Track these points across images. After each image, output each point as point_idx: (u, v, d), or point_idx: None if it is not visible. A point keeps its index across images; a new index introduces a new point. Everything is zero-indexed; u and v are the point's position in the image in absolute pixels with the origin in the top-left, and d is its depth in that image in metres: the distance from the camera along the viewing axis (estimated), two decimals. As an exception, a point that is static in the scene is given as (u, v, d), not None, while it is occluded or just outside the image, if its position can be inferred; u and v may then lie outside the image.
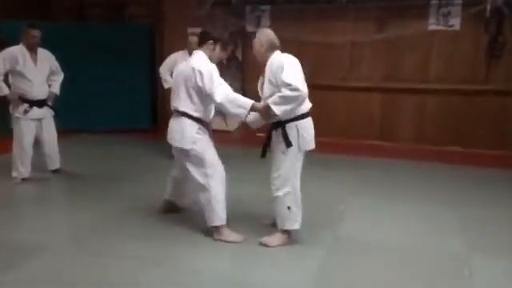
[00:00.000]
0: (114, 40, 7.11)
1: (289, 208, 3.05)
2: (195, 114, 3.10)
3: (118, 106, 7.24)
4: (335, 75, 6.66)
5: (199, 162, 3.11)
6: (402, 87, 6.49)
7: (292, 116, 2.97)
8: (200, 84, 2.98)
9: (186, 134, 3.09)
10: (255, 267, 2.85)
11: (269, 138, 3.19)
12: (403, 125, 6.61)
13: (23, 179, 4.49)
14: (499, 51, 6.02)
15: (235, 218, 3.15)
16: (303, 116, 3.03)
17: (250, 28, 7.00)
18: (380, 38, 6.47)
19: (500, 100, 6.14)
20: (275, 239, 3.12)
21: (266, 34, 3.05)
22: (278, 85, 2.91)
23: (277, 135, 3.07)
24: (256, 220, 3.51)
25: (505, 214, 3.86)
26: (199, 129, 3.12)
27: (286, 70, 2.86)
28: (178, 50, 5.26)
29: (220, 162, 3.17)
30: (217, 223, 3.14)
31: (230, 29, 7.03)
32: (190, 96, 3.07)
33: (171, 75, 4.56)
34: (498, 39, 5.97)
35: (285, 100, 2.86)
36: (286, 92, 2.83)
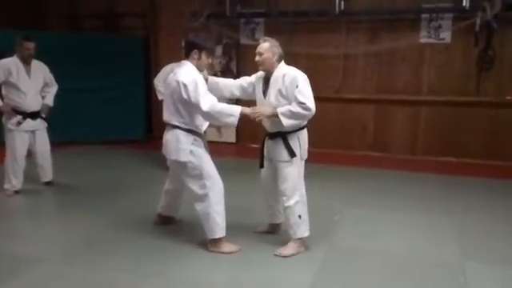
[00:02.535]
0: (108, 51, 7.07)
1: (299, 216, 3.10)
2: (187, 127, 3.06)
3: (112, 117, 7.18)
4: (328, 87, 6.72)
5: (197, 174, 3.07)
6: (395, 99, 6.57)
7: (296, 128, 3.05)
8: (185, 96, 2.94)
9: (181, 146, 3.05)
10: (253, 276, 2.84)
11: (262, 149, 3.23)
12: (396, 136, 6.67)
13: (16, 191, 4.44)
14: (489, 64, 6.13)
15: (229, 227, 3.14)
16: (303, 127, 3.11)
17: (244, 40, 7.07)
18: (372, 50, 6.57)
19: (491, 111, 6.24)
20: (290, 249, 3.14)
21: (277, 45, 3.08)
22: (288, 97, 2.97)
23: (276, 146, 3.10)
24: (250, 229, 3.51)
25: (498, 222, 3.90)
26: (195, 140, 3.09)
27: (301, 87, 2.94)
28: (173, 62, 5.28)
29: (217, 172, 3.15)
30: (218, 235, 3.10)
31: (224, 41, 7.17)
32: (178, 109, 3.03)
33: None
34: (487, 52, 6.09)
35: (295, 116, 2.95)
36: (298, 109, 2.92)
